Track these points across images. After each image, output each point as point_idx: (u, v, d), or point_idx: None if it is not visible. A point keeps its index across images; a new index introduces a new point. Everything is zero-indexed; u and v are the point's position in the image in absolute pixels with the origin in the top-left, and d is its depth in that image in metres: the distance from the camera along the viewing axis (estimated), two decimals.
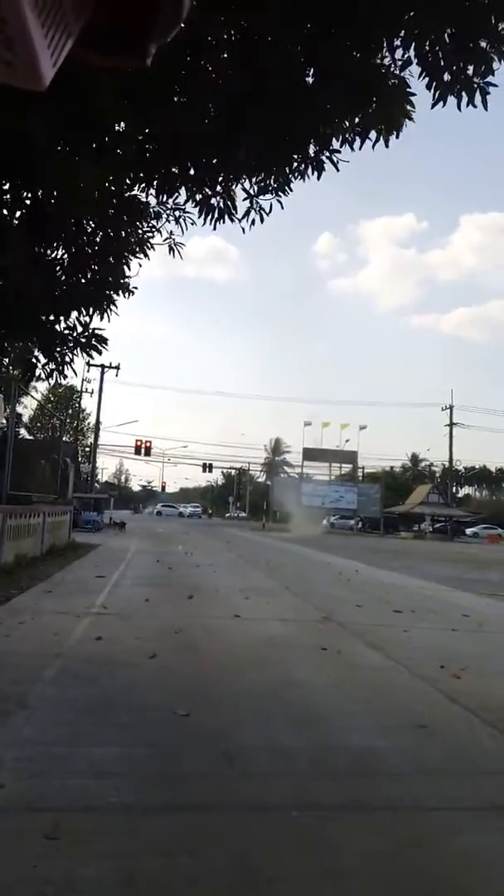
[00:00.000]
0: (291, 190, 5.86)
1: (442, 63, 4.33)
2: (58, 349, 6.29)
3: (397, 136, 4.84)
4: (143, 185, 6.09)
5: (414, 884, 2.76)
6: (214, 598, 10.72)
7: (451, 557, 28.07)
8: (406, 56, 4.46)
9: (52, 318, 6.29)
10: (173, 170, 5.79)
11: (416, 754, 4.15)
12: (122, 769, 3.68)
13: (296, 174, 5.57)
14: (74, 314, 6.34)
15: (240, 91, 4.69)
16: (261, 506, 66.24)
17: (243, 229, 5.98)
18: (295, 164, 5.48)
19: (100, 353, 6.43)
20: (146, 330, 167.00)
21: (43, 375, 6.60)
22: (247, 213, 5.95)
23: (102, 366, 40.21)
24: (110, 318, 6.41)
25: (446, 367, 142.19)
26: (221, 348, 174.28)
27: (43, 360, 6.41)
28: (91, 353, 6.37)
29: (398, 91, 4.64)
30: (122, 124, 5.49)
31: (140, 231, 6.58)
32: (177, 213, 6.46)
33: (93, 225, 6.26)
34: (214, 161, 5.55)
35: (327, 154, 5.31)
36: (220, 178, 5.78)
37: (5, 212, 5.95)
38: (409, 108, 4.73)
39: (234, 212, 5.97)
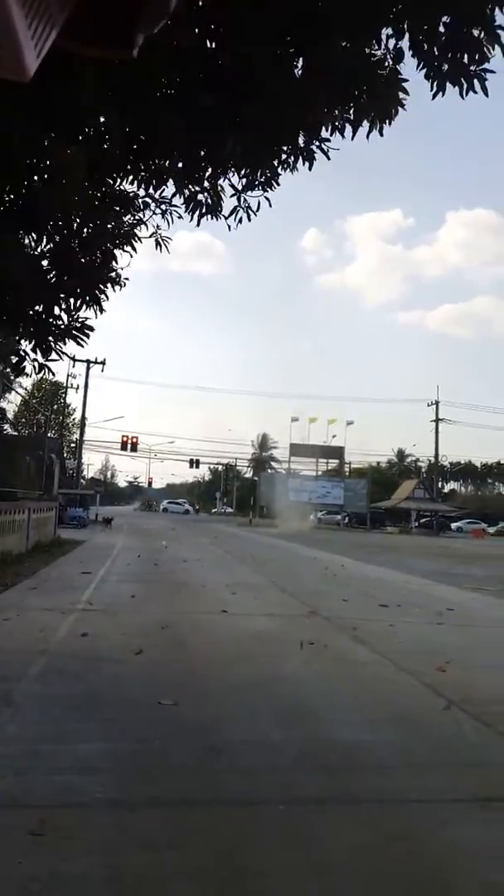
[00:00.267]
0: (279, 184, 5.83)
1: (436, 52, 4.32)
2: (44, 342, 6.23)
3: (390, 124, 4.83)
4: (130, 177, 6.04)
5: (400, 876, 2.78)
6: (201, 593, 10.72)
7: (436, 552, 28.28)
8: (398, 46, 4.45)
9: (38, 309, 6.22)
10: (160, 163, 5.75)
11: (401, 747, 4.19)
12: (108, 765, 3.67)
13: (285, 166, 5.54)
14: (61, 306, 6.27)
15: (228, 83, 4.66)
16: (248, 501, 66.32)
17: (229, 226, 5.96)
18: (284, 156, 5.46)
19: (87, 338, 6.36)
20: (132, 325, 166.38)
21: (28, 370, 6.54)
22: (234, 211, 5.92)
23: (88, 361, 39.93)
24: (97, 314, 6.36)
25: (432, 363, 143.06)
26: (208, 343, 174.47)
27: (30, 354, 6.34)
28: (78, 342, 6.30)
29: (390, 80, 4.62)
30: (108, 117, 5.43)
31: (126, 224, 6.53)
32: (163, 206, 6.41)
33: (79, 219, 6.20)
34: (202, 153, 5.52)
35: (317, 144, 5.29)
36: (208, 173, 5.75)
37: None
38: (402, 95, 4.71)
39: (220, 208, 5.94)
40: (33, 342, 6.21)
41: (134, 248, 6.55)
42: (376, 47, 4.60)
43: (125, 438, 50.45)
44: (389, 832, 3.10)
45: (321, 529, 49.30)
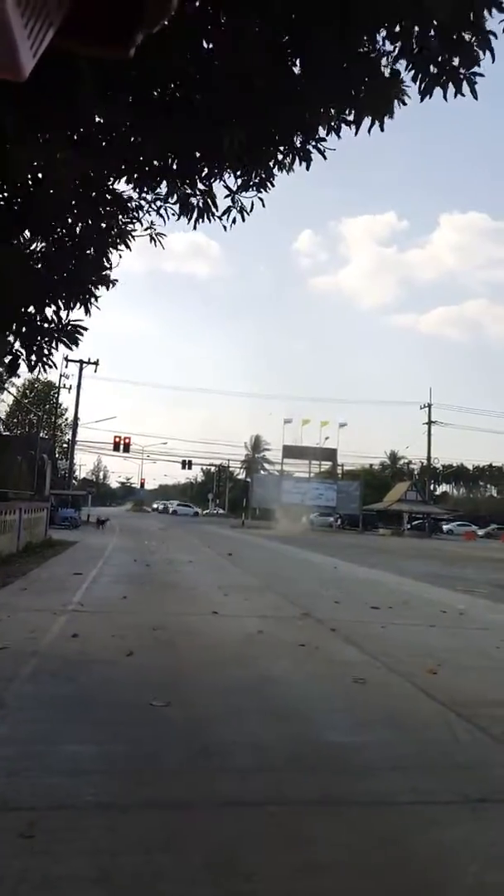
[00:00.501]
0: (273, 185, 5.85)
1: (427, 55, 4.34)
2: (37, 342, 6.21)
3: (391, 117, 4.83)
4: (125, 177, 6.04)
5: (389, 878, 2.78)
6: (193, 594, 10.70)
7: (428, 554, 28.35)
8: (393, 48, 4.47)
9: (31, 310, 6.20)
10: (155, 163, 5.75)
11: (392, 749, 4.19)
12: (100, 766, 3.65)
13: (282, 167, 5.55)
14: (54, 307, 6.26)
15: (225, 83, 4.66)
16: (240, 503, 66.22)
17: (224, 227, 5.96)
18: (281, 157, 5.47)
19: (77, 343, 6.36)
20: (126, 325, 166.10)
21: (21, 371, 6.52)
22: (227, 211, 5.93)
23: (81, 361, 39.78)
24: (89, 312, 6.35)
25: (425, 365, 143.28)
26: (202, 345, 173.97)
27: (23, 354, 6.32)
28: (70, 344, 6.29)
29: (387, 79, 4.63)
30: (104, 117, 5.42)
31: (120, 223, 6.52)
32: (157, 203, 6.41)
33: (72, 218, 6.19)
34: (198, 154, 5.52)
35: (314, 143, 5.30)
36: (204, 174, 5.75)
37: None
38: (400, 87, 4.71)
39: (213, 210, 5.94)
40: (25, 343, 6.19)
41: (128, 247, 6.55)
42: (370, 48, 4.61)
43: (117, 439, 50.31)
44: (379, 833, 3.10)
45: (314, 531, 49.30)
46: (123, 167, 5.84)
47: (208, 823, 3.11)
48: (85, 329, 6.25)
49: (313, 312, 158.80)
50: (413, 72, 4.43)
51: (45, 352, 6.30)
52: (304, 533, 44.71)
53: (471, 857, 2.93)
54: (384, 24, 4.32)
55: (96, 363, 40.36)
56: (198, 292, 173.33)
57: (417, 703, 5.17)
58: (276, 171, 5.65)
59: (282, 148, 5.40)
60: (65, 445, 51.50)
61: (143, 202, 6.37)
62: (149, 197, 6.30)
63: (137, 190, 6.16)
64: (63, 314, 6.24)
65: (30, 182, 5.75)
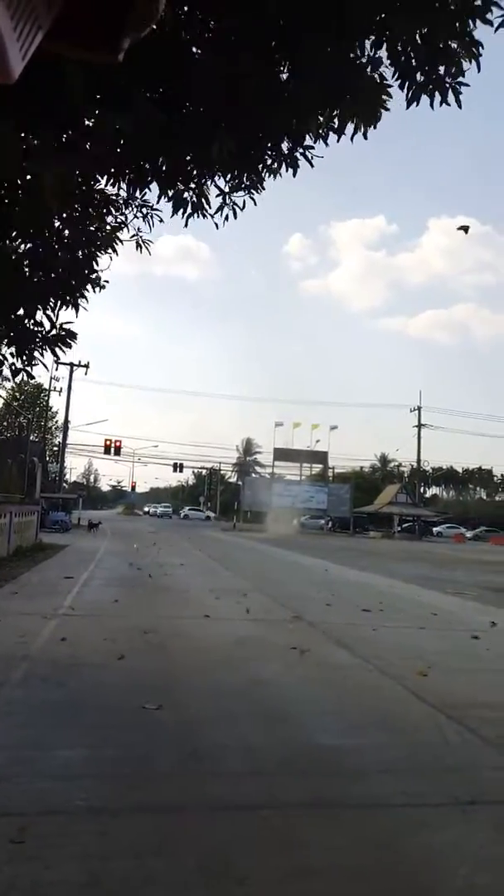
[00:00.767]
0: (264, 188, 5.86)
1: (414, 63, 4.38)
2: (26, 347, 6.18)
3: (374, 127, 4.86)
4: (113, 180, 6.02)
5: (381, 881, 2.78)
6: (185, 598, 10.67)
7: (418, 556, 28.44)
8: (377, 55, 4.50)
9: (19, 313, 6.17)
10: (144, 166, 5.74)
11: (383, 752, 4.20)
12: (91, 771, 3.64)
13: (269, 172, 5.56)
14: (42, 308, 6.23)
15: (214, 89, 4.67)
16: (232, 506, 66.17)
17: (217, 225, 5.96)
18: (269, 162, 5.48)
19: (69, 347, 6.34)
20: (116, 328, 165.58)
21: (8, 374, 6.48)
22: (219, 209, 5.93)
23: (71, 364, 39.65)
24: (77, 313, 6.33)
25: (415, 368, 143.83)
26: (192, 348, 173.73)
27: (10, 359, 6.29)
28: (60, 350, 6.27)
29: (375, 85, 4.66)
30: (92, 120, 5.41)
31: (108, 226, 6.51)
32: (144, 209, 6.41)
33: (58, 220, 6.16)
34: (188, 158, 5.52)
35: (301, 150, 5.32)
36: (194, 175, 5.75)
37: None
38: (385, 98, 4.75)
39: (206, 208, 5.94)
40: (14, 348, 6.15)
41: (115, 251, 6.54)
42: (358, 54, 4.64)
43: (108, 442, 50.13)
44: (371, 836, 3.11)
45: (304, 534, 49.33)
46: (113, 170, 5.83)
47: (200, 827, 3.11)
48: (75, 335, 6.23)
49: (304, 316, 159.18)
50: (400, 80, 4.46)
51: (35, 355, 6.27)
52: (295, 535, 44.73)
53: (461, 859, 2.94)
54: (373, 29, 4.35)
55: (87, 366, 40.29)
56: (188, 295, 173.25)
57: (408, 706, 5.18)
58: (265, 175, 5.67)
59: (270, 153, 5.41)
60: (55, 448, 51.26)
61: (130, 203, 6.36)
62: (137, 198, 6.29)
63: (127, 190, 6.14)
64: (52, 314, 6.22)
65: (18, 182, 5.73)
